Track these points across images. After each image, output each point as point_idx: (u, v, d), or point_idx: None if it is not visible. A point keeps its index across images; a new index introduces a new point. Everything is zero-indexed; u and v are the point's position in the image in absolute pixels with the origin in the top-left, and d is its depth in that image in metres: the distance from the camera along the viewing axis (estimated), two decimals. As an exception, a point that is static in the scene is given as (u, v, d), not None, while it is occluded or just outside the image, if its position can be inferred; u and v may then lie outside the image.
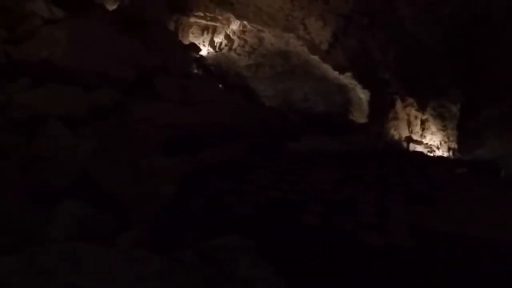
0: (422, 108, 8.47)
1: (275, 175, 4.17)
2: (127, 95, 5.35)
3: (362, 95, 11.46)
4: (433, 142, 8.30)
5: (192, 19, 11.19)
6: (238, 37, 12.11)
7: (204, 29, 11.66)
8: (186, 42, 10.97)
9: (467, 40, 6.96)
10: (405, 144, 8.93)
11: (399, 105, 9.39)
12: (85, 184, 3.81)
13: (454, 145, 7.73)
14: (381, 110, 9.91)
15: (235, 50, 12.42)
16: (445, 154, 7.74)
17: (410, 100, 8.88)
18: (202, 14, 10.95)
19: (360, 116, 12.60)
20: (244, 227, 2.78)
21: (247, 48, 12.43)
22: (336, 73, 11.10)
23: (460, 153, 7.32)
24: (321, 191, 3.62)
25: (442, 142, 8.04)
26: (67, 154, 3.81)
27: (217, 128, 5.93)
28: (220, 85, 8.73)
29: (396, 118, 9.56)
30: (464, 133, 7.08)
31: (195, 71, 9.01)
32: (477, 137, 6.70)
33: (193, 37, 11.61)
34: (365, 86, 10.66)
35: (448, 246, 2.69)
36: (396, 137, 9.44)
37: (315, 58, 11.00)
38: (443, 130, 8.00)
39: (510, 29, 6.03)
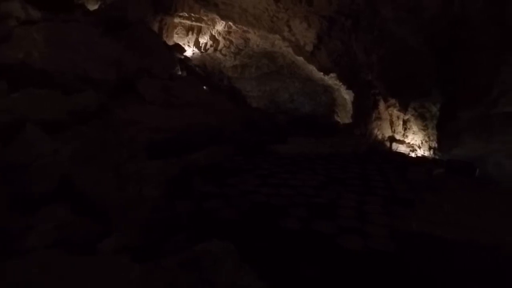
0: (404, 109, 8.65)
1: (259, 178, 4.19)
2: (109, 98, 5.27)
3: (347, 95, 11.65)
4: (415, 141, 8.51)
5: (177, 20, 11.09)
6: (224, 38, 12.09)
7: (189, 30, 11.58)
8: (170, 43, 10.86)
9: (447, 43, 7.16)
10: (388, 144, 9.13)
11: (382, 105, 9.59)
12: (66, 190, 3.73)
13: (434, 144, 7.92)
14: (365, 110, 10.10)
15: (220, 50, 12.39)
16: (426, 153, 7.94)
17: (393, 100, 9.07)
18: (186, 15, 10.86)
19: (344, 117, 12.80)
20: (227, 232, 2.79)
21: (232, 49, 12.42)
22: (321, 74, 11.24)
23: (440, 152, 7.52)
24: (304, 195, 3.66)
25: (423, 142, 8.24)
26: (46, 160, 3.72)
27: (202, 130, 5.91)
28: (205, 87, 8.69)
29: (379, 118, 9.75)
30: (444, 133, 7.28)
31: (180, 72, 8.93)
32: (455, 137, 6.90)
33: (177, 38, 11.51)
34: (349, 87, 10.84)
35: (425, 249, 2.78)
36: (380, 137, 9.64)
37: (300, 59, 11.10)
38: (424, 130, 8.20)
39: (487, 33, 6.24)
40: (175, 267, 2.28)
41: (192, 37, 11.83)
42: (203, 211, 3.22)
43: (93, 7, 8.23)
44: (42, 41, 4.98)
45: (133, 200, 3.98)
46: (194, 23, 11.47)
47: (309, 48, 10.34)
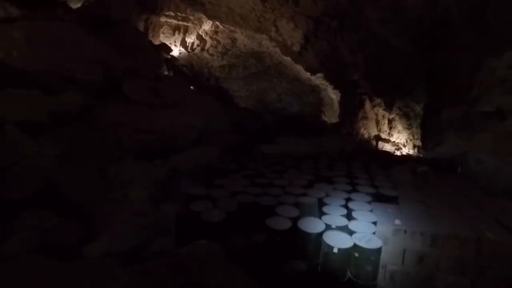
0: (389, 108, 8.83)
1: (247, 179, 4.19)
2: (94, 99, 5.16)
3: (333, 95, 11.79)
4: (400, 140, 8.70)
5: (163, 19, 10.96)
6: (211, 38, 12.02)
7: (175, 29, 11.46)
8: (156, 42, 10.73)
9: (430, 43, 7.34)
10: (374, 143, 9.31)
11: (368, 105, 9.76)
12: (49, 194, 3.64)
13: (418, 142, 8.12)
14: (351, 110, 10.25)
15: (207, 50, 12.31)
16: (411, 151, 8.14)
17: (378, 100, 9.24)
18: (173, 14, 10.75)
19: (332, 116, 12.95)
20: (215, 234, 2.78)
21: (220, 49, 12.36)
22: (308, 74, 11.32)
23: (424, 151, 7.70)
24: (292, 194, 3.70)
25: (408, 140, 8.44)
26: (28, 163, 3.62)
27: (189, 131, 5.86)
28: (192, 87, 8.62)
29: (365, 117, 9.93)
30: (427, 131, 7.47)
31: (166, 72, 8.83)
32: (438, 135, 7.08)
33: (164, 37, 11.37)
34: (336, 86, 10.97)
35: (407, 243, 2.86)
36: (366, 136, 9.82)
37: (288, 59, 11.15)
38: (409, 129, 8.39)
39: (467, 35, 6.42)
40: (162, 270, 2.26)
41: (178, 37, 11.71)
42: (190, 213, 3.21)
43: (75, 5, 8.03)
44: (23, 40, 4.83)
45: (119, 202, 3.92)
46: (180, 22, 11.36)
47: (296, 48, 10.41)
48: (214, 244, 2.47)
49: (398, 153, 8.41)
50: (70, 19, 6.27)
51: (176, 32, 11.58)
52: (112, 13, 8.02)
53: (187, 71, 11.22)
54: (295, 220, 3.05)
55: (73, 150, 4.15)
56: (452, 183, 4.92)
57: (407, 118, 8.22)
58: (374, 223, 3.10)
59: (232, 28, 10.98)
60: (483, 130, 6.39)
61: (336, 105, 11.99)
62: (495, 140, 6.22)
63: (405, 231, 3.02)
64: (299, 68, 11.32)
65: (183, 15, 10.88)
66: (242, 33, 11.07)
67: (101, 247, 3.19)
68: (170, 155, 4.83)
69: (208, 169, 4.81)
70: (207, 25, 11.58)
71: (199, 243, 2.42)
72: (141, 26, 10.16)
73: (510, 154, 6.06)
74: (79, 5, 8.17)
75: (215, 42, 12.19)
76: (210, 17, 10.47)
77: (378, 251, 2.77)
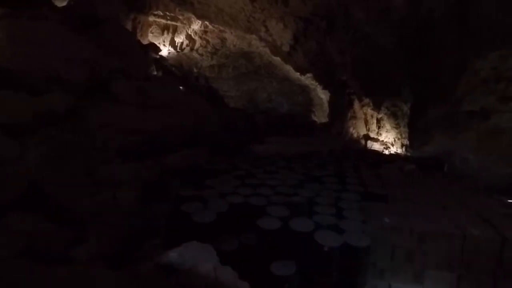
0: (377, 108, 8.95)
1: (238, 179, 4.19)
2: (81, 100, 5.06)
3: (323, 95, 11.89)
4: (388, 139, 8.84)
5: (151, 18, 10.84)
6: (200, 37, 11.96)
7: (164, 29, 11.35)
8: (145, 42, 10.60)
9: (416, 44, 7.47)
10: (363, 142, 9.43)
11: (357, 104, 9.87)
12: (35, 197, 3.56)
13: (406, 141, 8.25)
14: (341, 109, 10.36)
15: (197, 50, 12.25)
16: (399, 150, 8.27)
17: (367, 100, 9.36)
18: (161, 13, 10.65)
19: (321, 116, 13.06)
20: (205, 235, 2.77)
21: (209, 49, 12.32)
22: (298, 74, 11.39)
23: (411, 149, 7.84)
24: (283, 194, 3.71)
25: (396, 139, 8.58)
26: (11, 165, 3.52)
27: (179, 132, 5.81)
28: (181, 87, 8.55)
29: (354, 117, 10.04)
30: (414, 130, 7.60)
31: (155, 72, 8.73)
32: (425, 134, 7.22)
33: (152, 37, 11.25)
34: (325, 86, 11.06)
35: (396, 240, 2.91)
36: (355, 135, 9.93)
37: (278, 59, 11.19)
38: (396, 128, 8.52)
39: (452, 36, 6.56)
40: (152, 272, 2.24)
41: (167, 36, 11.61)
42: (180, 214, 3.18)
43: (61, 3, 7.88)
44: (6, 39, 4.70)
45: (107, 205, 3.86)
46: (169, 22, 11.26)
47: (285, 48, 10.45)
48: (205, 245, 2.45)
49: (386, 152, 8.54)
50: (55, 18, 6.13)
51: (165, 32, 11.47)
52: (99, 12, 7.87)
53: (177, 71, 11.13)
54: (286, 220, 3.06)
55: (59, 152, 4.06)
56: (439, 181, 5.02)
57: (395, 117, 8.35)
58: (363, 221, 3.14)
59: (221, 28, 10.95)
60: (468, 129, 6.55)
61: (326, 105, 12.10)
62: (479, 139, 6.39)
63: (394, 229, 3.07)
64: (289, 68, 11.37)
65: (172, 14, 10.80)
66: (231, 33, 11.06)
67: (89, 250, 3.14)
68: (159, 155, 4.78)
69: (198, 170, 4.78)
70: (196, 25, 11.51)
71: (191, 245, 2.41)
72: (129, 26, 10.03)
73: (493, 152, 6.24)
74: (64, 3, 8.01)
75: (204, 42, 12.14)
76: (199, 17, 10.42)
77: (367, 249, 2.80)
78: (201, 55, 12.50)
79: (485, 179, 6.15)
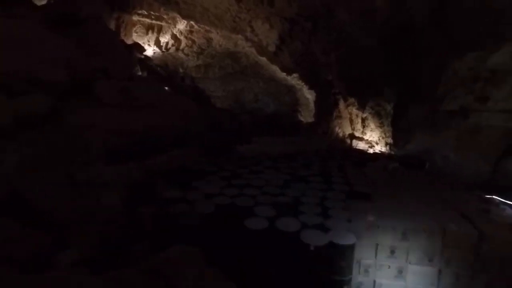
0: (362, 107, 9.12)
1: (224, 180, 4.19)
2: (62, 101, 4.93)
3: (309, 95, 11.99)
4: (373, 138, 9.01)
5: (135, 18, 10.66)
6: (185, 37, 11.85)
7: (148, 28, 11.18)
8: (129, 42, 10.41)
9: (398, 45, 7.65)
10: (348, 141, 9.58)
11: (342, 104, 10.02)
12: (14, 203, 3.45)
13: (390, 140, 8.44)
14: (326, 109, 10.49)
15: (182, 50, 12.13)
16: (383, 149, 8.45)
17: (352, 100, 9.51)
18: (146, 13, 10.49)
19: (307, 116, 13.18)
20: (192, 237, 2.76)
21: (195, 49, 12.22)
22: (284, 74, 11.45)
23: (395, 148, 8.02)
24: (269, 194, 3.73)
25: (380, 138, 8.75)
26: (-11, 170, 3.41)
27: (164, 132, 5.74)
28: (167, 87, 8.45)
29: (339, 116, 10.19)
30: (397, 129, 7.78)
31: (140, 72, 8.60)
32: (407, 133, 7.41)
33: (136, 37, 11.06)
34: (311, 87, 11.17)
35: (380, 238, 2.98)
36: (341, 134, 10.08)
37: (264, 59, 11.22)
38: (381, 127, 8.70)
39: (431, 38, 6.76)
40: (139, 277, 2.21)
41: (152, 36, 11.45)
42: (167, 216, 3.15)
43: (40, 1, 7.64)
44: (-19, 39, 4.53)
45: (91, 209, 3.78)
46: (154, 21, 11.10)
47: (271, 48, 10.49)
48: (191, 248, 2.44)
49: (371, 150, 8.70)
50: (34, 17, 5.94)
51: (150, 32, 11.30)
52: (80, 11, 7.68)
53: (162, 71, 10.99)
54: (272, 220, 3.08)
55: (39, 155, 3.95)
56: (421, 179, 5.16)
57: (379, 116, 8.52)
58: (349, 220, 3.20)
59: (207, 28, 10.89)
60: (448, 128, 6.76)
61: (312, 105, 12.21)
62: (458, 138, 6.60)
63: (378, 227, 3.14)
64: (275, 68, 11.41)
65: (157, 14, 10.65)
66: (217, 33, 11.01)
67: (71, 256, 3.07)
68: (145, 157, 4.71)
69: (184, 171, 4.75)
70: (181, 25, 11.40)
71: (178, 248, 2.39)
72: (112, 25, 9.83)
73: (472, 150, 6.46)
74: (44, 1, 7.78)
75: (190, 41, 12.03)
76: (184, 17, 10.32)
77: (353, 246, 2.86)
78: (187, 55, 12.39)
79: (464, 177, 6.36)
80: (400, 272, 3.15)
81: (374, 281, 3.15)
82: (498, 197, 5.52)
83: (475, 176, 6.33)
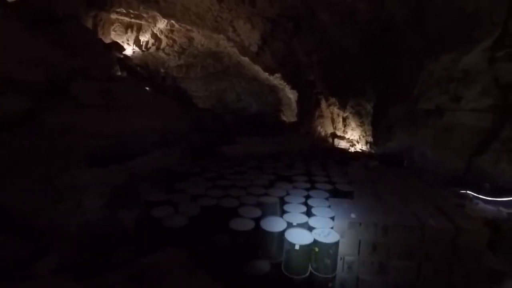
0: (343, 107, 9.31)
1: (209, 181, 4.16)
2: (39, 102, 4.74)
3: (291, 95, 12.10)
4: (354, 137, 9.22)
5: (114, 16, 10.38)
6: (166, 37, 11.66)
7: (127, 27, 10.92)
8: (107, 41, 10.13)
9: (378, 45, 7.87)
10: (330, 140, 9.76)
11: (323, 104, 10.18)
12: (-13, 209, 3.30)
13: (370, 139, 8.67)
14: (308, 109, 10.63)
15: (163, 49, 11.93)
16: (364, 148, 8.67)
17: (333, 99, 9.69)
18: (124, 11, 10.23)
19: (290, 115, 13.30)
20: (177, 240, 2.73)
21: (176, 48, 12.05)
22: (266, 74, 11.50)
23: (375, 146, 8.24)
24: (254, 194, 3.75)
25: (361, 137, 8.97)
26: (-40, 176, 3.25)
27: (146, 134, 5.65)
28: (148, 88, 8.30)
29: (321, 116, 10.36)
30: (377, 128, 8.00)
31: (120, 72, 8.39)
32: (387, 132, 7.64)
33: (115, 35, 10.78)
34: (293, 87, 11.27)
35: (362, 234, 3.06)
36: (323, 134, 10.25)
37: (246, 59, 11.22)
38: (361, 126, 8.92)
39: (409, 40, 6.99)
40: (124, 282, 2.18)
41: (131, 35, 11.19)
42: (151, 219, 3.11)
43: (12, -2, 7.29)
44: None
45: (72, 213, 3.67)
46: (133, 20, 10.85)
47: (254, 48, 10.51)
48: (179, 250, 2.43)
49: (352, 149, 8.90)
50: (7, 15, 5.68)
51: (129, 30, 11.04)
52: (56, 9, 7.40)
53: (142, 71, 10.76)
54: (257, 220, 3.10)
55: (15, 159, 3.79)
56: (400, 176, 5.34)
57: (360, 116, 8.73)
58: (332, 218, 3.27)
59: (188, 27, 10.76)
60: (425, 126, 7.03)
61: (294, 105, 12.33)
62: (435, 135, 6.89)
63: (360, 224, 3.23)
64: (257, 68, 11.44)
65: (136, 12, 10.42)
66: (199, 32, 10.91)
67: (52, 263, 2.98)
68: (127, 159, 4.62)
69: (168, 173, 4.69)
70: (162, 24, 11.21)
71: (163, 251, 2.37)
72: (89, 23, 9.54)
73: (447, 147, 6.75)
74: (16, -2, 7.43)
75: (171, 41, 11.85)
76: (165, 16, 10.15)
77: (336, 244, 2.93)
78: (168, 54, 12.20)
79: (441, 173, 6.65)
80: (383, 268, 3.25)
81: (357, 277, 3.23)
82: (472, 192, 5.82)
83: (450, 173, 6.64)
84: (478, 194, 5.71)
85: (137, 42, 11.36)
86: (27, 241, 3.20)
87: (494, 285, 3.11)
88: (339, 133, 9.69)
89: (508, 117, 5.97)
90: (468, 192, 5.81)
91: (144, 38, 11.47)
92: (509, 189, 5.72)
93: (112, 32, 10.71)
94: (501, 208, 5.39)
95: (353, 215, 3.34)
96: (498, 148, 6.05)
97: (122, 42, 10.92)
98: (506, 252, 3.84)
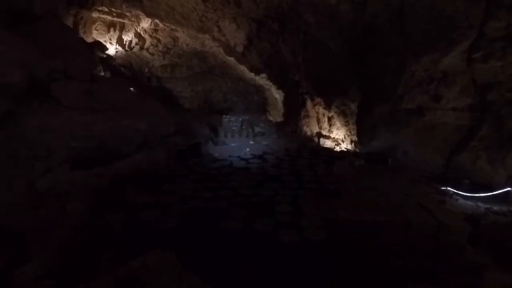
0: (328, 106, 9.44)
1: (197, 183, 4.13)
2: (17, 104, 4.56)
3: (277, 95, 12.15)
4: (339, 136, 9.36)
5: (95, 14, 10.12)
6: (150, 36, 11.47)
7: (110, 26, 10.68)
8: (89, 40, 9.88)
9: (362, 46, 8.02)
10: (316, 139, 9.87)
11: (309, 104, 10.29)
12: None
13: (355, 138, 8.83)
14: (294, 109, 10.72)
15: (147, 49, 11.73)
16: (349, 147, 8.82)
17: (318, 99, 9.81)
18: (106, 9, 9.99)
19: (276, 115, 13.35)
20: (166, 242, 2.70)
21: (160, 48, 11.87)
22: (252, 74, 11.50)
23: (360, 145, 8.40)
24: (243, 195, 3.74)
25: (346, 136, 9.12)
26: None
27: (131, 135, 5.54)
28: (132, 88, 8.14)
29: (307, 116, 10.46)
30: (362, 127, 8.16)
31: (102, 73, 8.20)
32: (371, 131, 7.80)
33: (97, 34, 10.52)
34: (279, 86, 11.33)
35: (350, 232, 3.12)
36: (309, 133, 10.35)
37: (232, 59, 11.18)
38: (346, 125, 9.07)
39: (391, 41, 7.17)
40: (111, 286, 2.13)
41: (114, 34, 10.94)
42: (139, 222, 3.05)
43: (-14, -5, 6.98)
44: None
45: (54, 218, 3.57)
46: (116, 19, 10.62)
47: (239, 49, 10.50)
48: (168, 252, 2.39)
49: (337, 148, 9.04)
50: (-19, 12, 5.44)
51: (112, 29, 10.80)
52: (34, 6, 7.15)
53: (126, 71, 10.55)
54: (247, 220, 3.11)
55: (-7, 163, 3.64)
56: (385, 174, 5.45)
57: (344, 115, 8.87)
58: (321, 217, 3.31)
59: (173, 27, 10.62)
60: (407, 125, 7.24)
61: (280, 105, 12.39)
62: (417, 134, 7.10)
63: (347, 221, 3.28)
64: (243, 68, 11.42)
65: (119, 11, 10.19)
66: (184, 32, 10.78)
67: (34, 269, 2.88)
68: (112, 162, 4.53)
69: (154, 175, 4.62)
70: (146, 23, 11.02)
71: (152, 254, 2.33)
72: (69, 22, 9.25)
73: (429, 146, 6.98)
74: (-10, -5, 7.12)
75: (155, 40, 11.67)
76: (148, 15, 9.98)
77: (324, 242, 2.95)
78: (152, 54, 12.00)
79: (423, 170, 6.86)
80: (369, 266, 3.31)
81: (346, 275, 3.28)
82: (452, 188, 6.03)
83: (432, 170, 6.86)
84: (458, 191, 5.92)
85: (120, 41, 11.12)
86: (9, 248, 3.09)
87: (474, 277, 3.24)
88: (324, 132, 9.81)
89: (485, 116, 6.22)
90: (448, 188, 6.02)
91: (128, 37, 11.24)
92: (486, 185, 5.96)
93: (94, 31, 10.44)
94: (479, 204, 5.61)
95: (340, 213, 3.39)
96: (476, 146, 6.30)
97: (105, 41, 10.67)
98: (485, 245, 4.01)
